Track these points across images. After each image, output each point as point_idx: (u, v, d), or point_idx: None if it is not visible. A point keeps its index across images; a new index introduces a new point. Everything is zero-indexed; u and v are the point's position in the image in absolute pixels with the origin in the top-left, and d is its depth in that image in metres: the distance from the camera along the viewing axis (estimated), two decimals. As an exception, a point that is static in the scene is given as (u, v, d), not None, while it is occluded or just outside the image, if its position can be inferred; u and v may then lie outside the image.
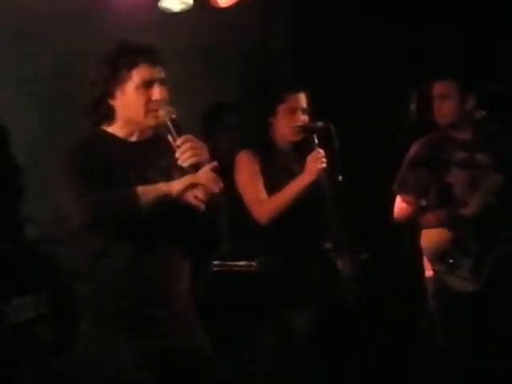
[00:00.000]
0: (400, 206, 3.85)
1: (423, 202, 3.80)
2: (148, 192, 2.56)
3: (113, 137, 2.73)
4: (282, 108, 3.62)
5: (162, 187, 2.58)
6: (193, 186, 2.56)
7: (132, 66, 2.66)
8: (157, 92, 2.66)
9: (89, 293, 2.70)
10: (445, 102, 3.74)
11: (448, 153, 3.74)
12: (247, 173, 3.56)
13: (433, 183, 3.74)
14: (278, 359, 3.48)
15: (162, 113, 2.62)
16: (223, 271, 3.48)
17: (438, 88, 3.79)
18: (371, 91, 4.70)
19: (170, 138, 2.58)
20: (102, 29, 3.94)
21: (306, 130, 3.59)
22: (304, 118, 3.63)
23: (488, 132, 3.76)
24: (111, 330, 2.63)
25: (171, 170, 2.69)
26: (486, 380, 3.64)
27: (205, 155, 2.56)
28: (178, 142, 2.54)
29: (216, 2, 4.20)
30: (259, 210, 3.50)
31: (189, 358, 2.70)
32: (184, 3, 4.12)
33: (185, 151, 2.52)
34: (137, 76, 2.66)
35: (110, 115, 2.73)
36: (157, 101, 2.65)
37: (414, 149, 3.84)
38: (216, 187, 2.56)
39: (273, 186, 3.54)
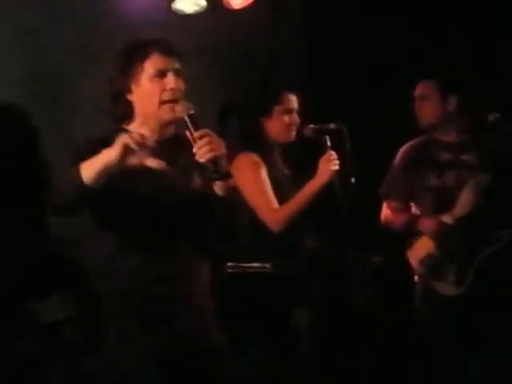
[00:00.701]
0: (385, 211, 3.86)
1: (410, 207, 3.80)
2: (91, 164, 2.44)
3: None
4: (277, 109, 3.60)
5: (102, 155, 2.44)
6: (127, 147, 2.40)
7: (144, 57, 2.65)
8: (171, 81, 2.64)
9: (104, 292, 2.69)
10: (425, 102, 3.73)
11: (432, 155, 3.73)
12: (254, 177, 3.49)
13: (418, 187, 3.73)
14: (288, 359, 3.47)
15: (179, 108, 2.58)
16: (237, 273, 3.46)
17: (419, 89, 3.78)
18: (374, 92, 4.69)
19: (187, 134, 2.53)
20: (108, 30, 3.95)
21: (318, 131, 3.58)
22: (298, 119, 3.62)
23: (503, 133, 3.74)
24: (125, 329, 2.62)
25: (191, 169, 2.67)
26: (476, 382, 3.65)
27: (222, 150, 2.50)
28: (196, 136, 2.49)
29: (229, 4, 4.20)
30: (273, 219, 3.46)
31: (203, 356, 2.67)
32: (197, 5, 4.13)
33: (202, 146, 2.47)
34: (150, 66, 2.65)
35: (128, 112, 2.72)
36: (172, 89, 2.63)
37: (398, 154, 3.84)
38: (141, 143, 2.42)
39: (275, 190, 3.52)
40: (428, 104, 3.72)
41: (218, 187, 2.58)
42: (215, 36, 4.37)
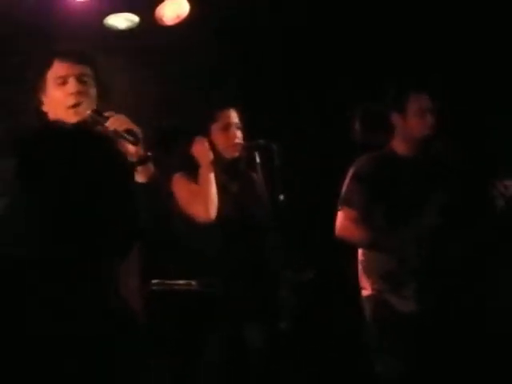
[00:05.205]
0: (343, 222, 3.73)
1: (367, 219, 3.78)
2: None
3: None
4: (214, 127, 3.61)
5: None
6: None
7: (47, 67, 2.73)
8: (72, 86, 2.69)
9: None
10: (429, 114, 3.70)
11: (393, 170, 3.72)
12: (186, 191, 3.53)
13: (378, 200, 3.70)
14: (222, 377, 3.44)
15: (82, 110, 2.66)
16: (162, 290, 3.45)
17: (425, 101, 3.73)
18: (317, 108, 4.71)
19: (100, 128, 2.61)
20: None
21: (248, 147, 3.60)
22: (239, 134, 3.62)
23: (432, 150, 3.77)
24: None
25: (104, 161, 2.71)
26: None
27: (132, 124, 2.60)
28: (106, 114, 2.60)
29: (162, 20, 4.21)
30: (203, 212, 3.45)
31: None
32: (130, 21, 4.13)
33: (114, 120, 2.59)
34: (52, 74, 2.73)
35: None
36: (72, 94, 2.69)
37: (358, 164, 3.78)
38: None
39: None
40: (430, 116, 3.70)
41: (140, 174, 2.63)
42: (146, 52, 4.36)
